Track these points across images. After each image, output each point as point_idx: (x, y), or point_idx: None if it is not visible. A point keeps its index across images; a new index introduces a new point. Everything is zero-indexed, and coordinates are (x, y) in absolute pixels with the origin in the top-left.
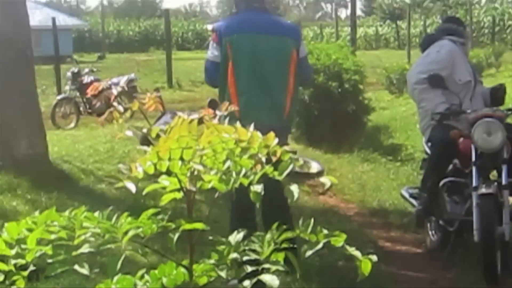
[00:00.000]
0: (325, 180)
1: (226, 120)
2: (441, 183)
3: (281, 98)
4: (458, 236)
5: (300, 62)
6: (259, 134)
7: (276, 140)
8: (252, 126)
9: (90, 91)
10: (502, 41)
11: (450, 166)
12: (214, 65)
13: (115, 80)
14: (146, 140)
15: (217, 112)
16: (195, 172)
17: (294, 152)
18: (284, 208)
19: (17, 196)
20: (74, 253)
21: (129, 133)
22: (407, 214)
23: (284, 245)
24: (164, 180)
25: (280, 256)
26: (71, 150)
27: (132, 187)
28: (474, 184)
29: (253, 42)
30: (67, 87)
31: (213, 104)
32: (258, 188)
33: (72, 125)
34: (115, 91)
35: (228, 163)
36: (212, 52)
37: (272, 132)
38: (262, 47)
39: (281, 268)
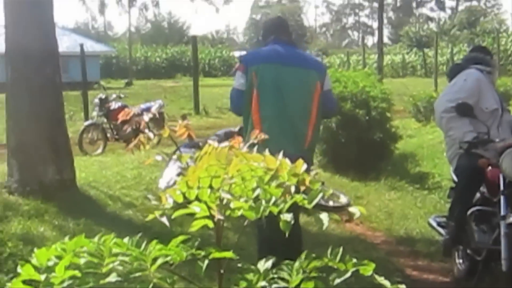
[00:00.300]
0: (354, 210)
1: (255, 148)
2: (469, 212)
3: (302, 127)
4: (486, 265)
5: (325, 95)
6: (287, 161)
7: (305, 166)
8: (281, 154)
9: (121, 117)
10: None
11: (478, 195)
12: (240, 93)
13: (143, 106)
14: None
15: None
16: (224, 201)
17: (322, 183)
18: (297, 237)
19: (45, 221)
20: (101, 282)
21: (158, 157)
22: (434, 243)
23: (313, 274)
24: (194, 206)
25: (310, 285)
26: (98, 176)
27: (165, 221)
28: (502, 213)
29: (278, 72)
30: (94, 113)
31: (242, 132)
32: (288, 217)
33: (99, 151)
34: (146, 117)
35: (258, 191)
36: (237, 81)
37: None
38: (287, 78)
39: None
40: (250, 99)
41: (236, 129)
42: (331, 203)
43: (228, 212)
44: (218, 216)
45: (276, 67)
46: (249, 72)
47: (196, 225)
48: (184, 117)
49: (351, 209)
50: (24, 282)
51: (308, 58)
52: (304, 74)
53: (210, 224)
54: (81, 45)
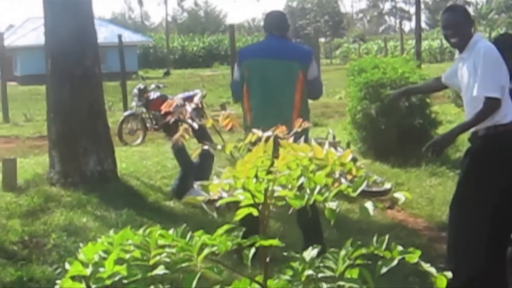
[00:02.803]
0: (399, 195)
1: (302, 139)
2: None
3: (287, 112)
4: None
5: (309, 83)
6: (333, 150)
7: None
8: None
9: (164, 108)
10: None
11: None
12: (237, 84)
13: (185, 95)
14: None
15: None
16: (269, 190)
17: (362, 169)
18: (316, 227)
19: (87, 212)
20: (149, 274)
21: (205, 148)
22: None
23: (359, 261)
24: (239, 195)
25: (355, 273)
26: (139, 166)
27: (213, 210)
28: None
29: (264, 65)
30: (133, 104)
31: None
32: (333, 205)
33: (139, 141)
34: (189, 107)
35: (302, 179)
36: (235, 73)
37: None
38: (271, 70)
39: (355, 286)
40: (243, 90)
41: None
42: (374, 188)
43: (272, 201)
44: (272, 209)
45: (262, 61)
46: (242, 66)
47: (240, 214)
48: (223, 106)
49: (396, 194)
50: (72, 277)
51: (293, 50)
52: (287, 65)
53: (255, 212)
54: (119, 36)
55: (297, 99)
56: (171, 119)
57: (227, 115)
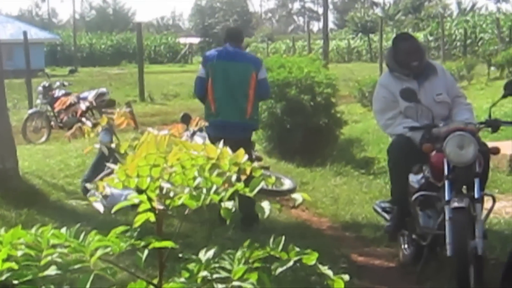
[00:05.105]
0: (297, 196)
1: (196, 136)
2: (414, 197)
3: (243, 104)
4: (431, 250)
5: (259, 82)
6: (228, 150)
7: (245, 156)
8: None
9: (57, 106)
10: (474, 54)
11: (423, 180)
12: (200, 80)
13: (84, 94)
14: None
15: (189, 128)
16: (164, 190)
17: (267, 168)
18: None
19: None
20: (40, 274)
21: (97, 146)
22: (380, 228)
23: (257, 265)
24: (134, 198)
25: (254, 276)
26: (42, 165)
27: (100, 207)
28: (446, 198)
29: (226, 66)
30: (38, 101)
31: (185, 119)
32: (229, 204)
33: (43, 139)
34: (83, 105)
35: (199, 179)
36: (200, 71)
37: (238, 128)
38: (231, 70)
39: (250, 287)
40: (207, 86)
41: None
42: (275, 188)
43: (168, 201)
44: (158, 206)
45: (223, 62)
46: (207, 66)
47: (139, 220)
48: (128, 105)
49: (294, 195)
50: None
51: (247, 56)
52: (243, 66)
53: (153, 217)
54: (24, 33)
55: (251, 94)
56: (64, 117)
57: (122, 113)
